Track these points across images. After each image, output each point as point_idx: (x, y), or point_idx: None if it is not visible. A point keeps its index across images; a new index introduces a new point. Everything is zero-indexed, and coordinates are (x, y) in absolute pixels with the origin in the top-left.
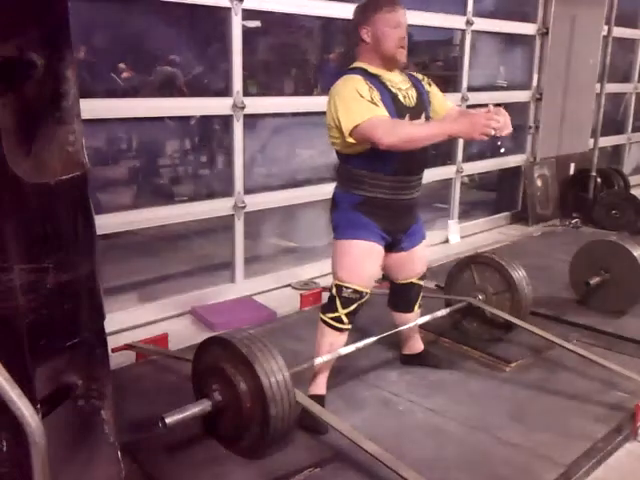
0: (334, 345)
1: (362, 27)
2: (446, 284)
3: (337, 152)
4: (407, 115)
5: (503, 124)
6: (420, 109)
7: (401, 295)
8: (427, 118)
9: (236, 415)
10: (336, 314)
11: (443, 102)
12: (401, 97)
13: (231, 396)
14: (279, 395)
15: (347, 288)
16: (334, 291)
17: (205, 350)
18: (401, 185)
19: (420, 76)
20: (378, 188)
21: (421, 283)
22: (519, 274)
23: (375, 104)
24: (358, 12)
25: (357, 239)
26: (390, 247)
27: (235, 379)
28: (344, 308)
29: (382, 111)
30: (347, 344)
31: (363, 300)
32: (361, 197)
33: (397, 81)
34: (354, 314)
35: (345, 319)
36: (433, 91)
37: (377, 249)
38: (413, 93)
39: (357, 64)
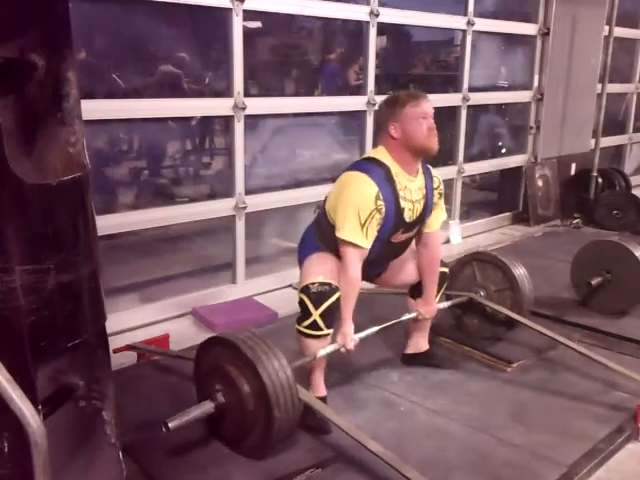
0: (319, 351)
1: (390, 123)
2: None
3: (327, 218)
4: (400, 230)
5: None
6: (416, 225)
7: (417, 286)
8: (417, 232)
9: (239, 416)
10: (311, 319)
11: (437, 219)
12: (407, 212)
13: (234, 398)
14: (282, 397)
15: (312, 284)
16: (303, 296)
17: (208, 350)
18: (374, 267)
19: (437, 182)
20: None
21: (443, 270)
22: (520, 272)
23: (366, 230)
24: (384, 108)
25: (315, 253)
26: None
27: (239, 381)
28: (317, 308)
29: (365, 242)
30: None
31: (334, 296)
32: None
33: (413, 189)
34: (330, 315)
35: (321, 323)
36: (438, 204)
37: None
38: (420, 206)
39: (382, 156)
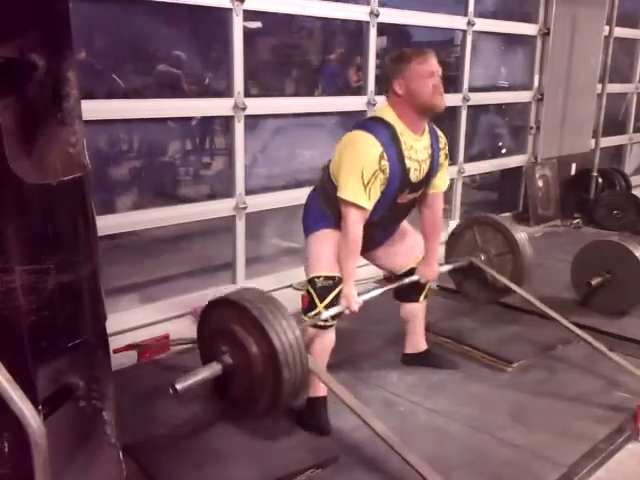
0: (324, 345)
1: (395, 80)
2: (447, 246)
3: (331, 179)
4: (407, 190)
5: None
6: (422, 185)
7: (405, 284)
8: (422, 193)
9: (247, 377)
10: (316, 311)
11: (442, 180)
12: (412, 172)
13: (242, 359)
14: (292, 357)
15: (317, 278)
16: (310, 288)
17: (212, 312)
18: (378, 231)
19: (443, 143)
20: None
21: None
22: (521, 236)
23: (369, 191)
24: (389, 65)
25: (321, 229)
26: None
27: (246, 342)
28: (322, 301)
29: (367, 203)
30: (346, 343)
31: (338, 288)
32: (334, 220)
33: (419, 149)
34: (334, 307)
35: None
36: (444, 165)
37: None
38: (426, 166)
39: (388, 115)
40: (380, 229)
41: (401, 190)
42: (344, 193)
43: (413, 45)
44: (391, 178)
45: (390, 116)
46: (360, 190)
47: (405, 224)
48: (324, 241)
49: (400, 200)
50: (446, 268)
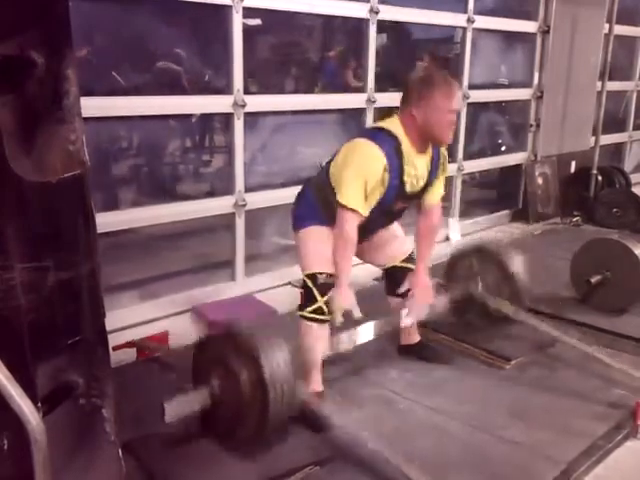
0: (319, 339)
1: (415, 103)
2: (445, 273)
3: (329, 181)
4: (401, 200)
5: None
6: (414, 197)
7: (391, 280)
8: (413, 203)
9: (235, 404)
10: (316, 305)
11: (438, 192)
12: (408, 186)
13: (231, 388)
14: (280, 388)
15: (321, 274)
16: (309, 283)
17: (210, 342)
18: (369, 229)
19: (442, 158)
20: None
21: (408, 266)
22: (518, 264)
23: (368, 200)
24: (413, 85)
25: (312, 225)
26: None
27: (238, 371)
28: (323, 295)
29: (365, 210)
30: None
31: None
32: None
33: (420, 165)
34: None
35: (325, 308)
36: (439, 178)
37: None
38: (423, 181)
39: (396, 128)
40: (367, 231)
41: (396, 200)
42: (346, 200)
43: (413, 42)
44: (388, 188)
45: (397, 129)
46: (361, 199)
47: (394, 224)
48: (320, 237)
49: (394, 207)
50: (443, 301)
